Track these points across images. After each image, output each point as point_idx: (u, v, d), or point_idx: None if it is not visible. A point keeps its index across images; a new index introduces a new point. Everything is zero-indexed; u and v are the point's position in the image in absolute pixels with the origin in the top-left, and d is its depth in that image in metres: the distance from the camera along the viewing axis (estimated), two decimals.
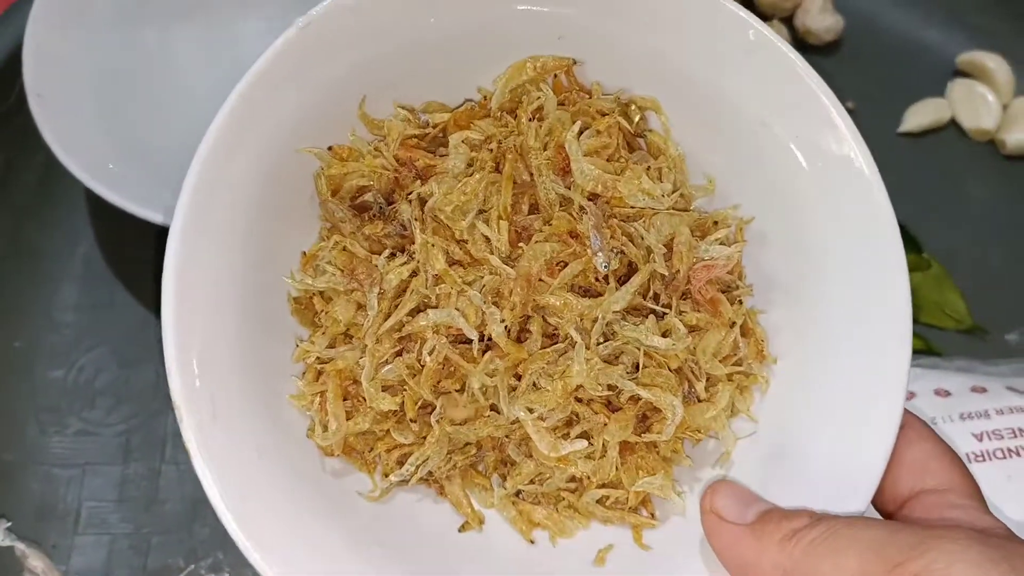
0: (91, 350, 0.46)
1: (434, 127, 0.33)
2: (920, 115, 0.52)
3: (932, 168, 0.51)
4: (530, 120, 0.32)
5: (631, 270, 0.31)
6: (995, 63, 0.52)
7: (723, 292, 0.32)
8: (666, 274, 0.31)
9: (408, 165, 0.32)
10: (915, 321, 0.45)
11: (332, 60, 0.31)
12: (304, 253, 0.33)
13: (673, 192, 0.32)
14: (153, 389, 0.45)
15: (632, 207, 0.31)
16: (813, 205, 0.31)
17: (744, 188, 0.33)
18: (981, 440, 0.38)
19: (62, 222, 0.49)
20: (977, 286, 0.47)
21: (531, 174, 0.31)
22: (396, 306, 0.31)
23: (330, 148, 0.33)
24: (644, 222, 0.31)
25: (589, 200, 0.31)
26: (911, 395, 0.40)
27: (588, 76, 0.33)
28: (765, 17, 0.54)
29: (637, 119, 0.33)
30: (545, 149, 0.31)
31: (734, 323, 0.32)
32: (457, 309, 0.30)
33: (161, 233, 0.31)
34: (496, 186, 0.31)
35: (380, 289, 0.31)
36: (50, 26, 0.45)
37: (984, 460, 0.37)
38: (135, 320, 0.47)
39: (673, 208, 0.31)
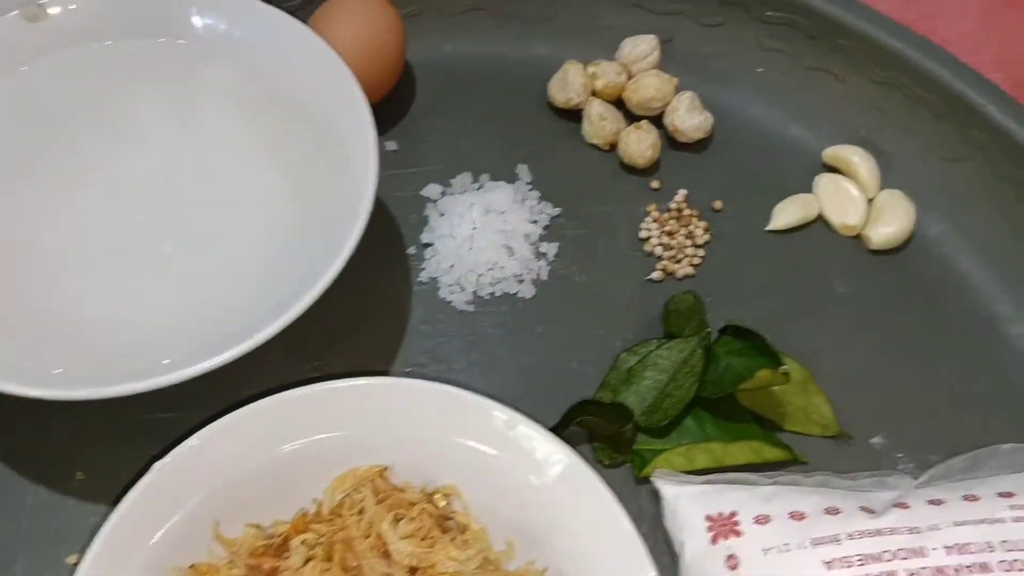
0: None
1: (278, 536, 0.41)
2: (787, 212, 0.52)
3: (800, 266, 0.51)
4: (354, 516, 0.40)
5: None
6: (859, 157, 0.53)
7: None
8: None
9: (257, 569, 0.39)
10: (780, 429, 0.46)
11: (186, 495, 0.39)
12: None
13: (477, 556, 0.40)
14: None
15: (444, 573, 0.39)
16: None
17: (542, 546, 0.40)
18: (831, 567, 0.38)
19: None
20: (843, 388, 0.47)
21: (358, 560, 0.39)
22: None
23: (192, 566, 0.39)
24: None
25: (409, 574, 0.39)
26: (766, 519, 0.40)
27: (400, 476, 0.42)
28: (634, 117, 0.54)
29: (443, 504, 0.41)
30: (367, 538, 0.40)
31: None
32: None
33: None
34: (329, 573, 0.39)
35: None
36: None
37: None
38: None
39: (480, 569, 0.39)
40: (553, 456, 0.40)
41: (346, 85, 0.45)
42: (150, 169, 0.45)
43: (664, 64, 0.56)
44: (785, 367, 0.44)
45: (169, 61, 0.47)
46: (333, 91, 0.45)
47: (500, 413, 0.41)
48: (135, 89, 0.47)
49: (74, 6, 0.47)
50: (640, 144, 0.52)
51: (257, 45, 0.47)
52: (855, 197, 0.52)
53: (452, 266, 0.49)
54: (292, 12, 0.54)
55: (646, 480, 0.44)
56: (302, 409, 0.41)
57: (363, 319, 0.48)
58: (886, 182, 0.53)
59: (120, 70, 0.47)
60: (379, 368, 0.47)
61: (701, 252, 0.51)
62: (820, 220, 0.53)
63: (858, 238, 0.52)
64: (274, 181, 0.45)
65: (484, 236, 0.49)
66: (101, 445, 0.44)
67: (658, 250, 0.51)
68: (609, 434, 0.45)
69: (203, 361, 0.38)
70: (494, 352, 0.48)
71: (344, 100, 0.45)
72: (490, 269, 0.49)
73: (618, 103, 0.55)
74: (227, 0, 0.47)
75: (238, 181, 0.45)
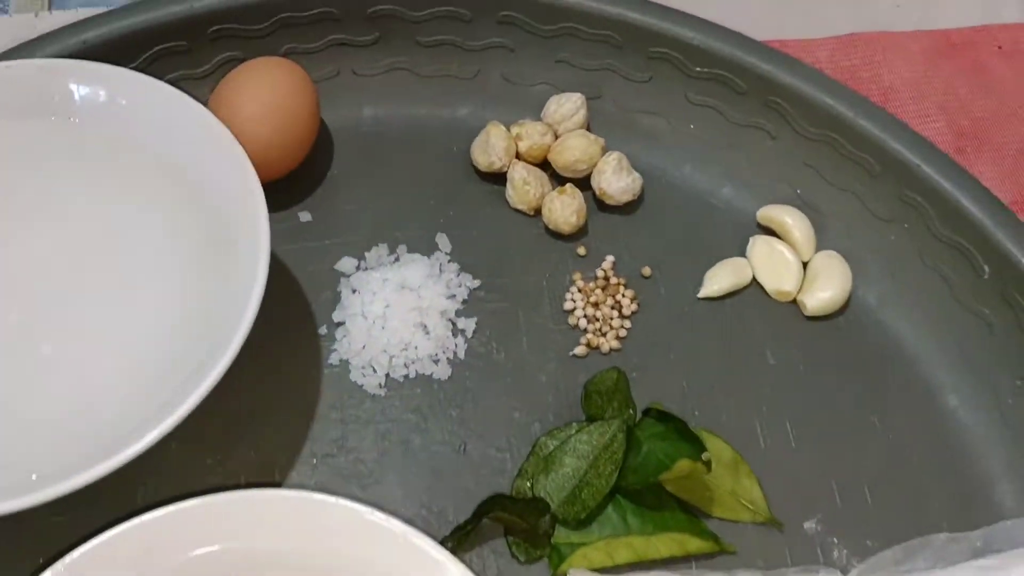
0: None
1: None
2: (719, 277, 0.50)
3: (732, 334, 0.49)
4: None
5: None
6: (794, 217, 0.51)
7: None
8: None
9: None
10: (707, 516, 0.44)
11: None
12: None
13: None
14: None
15: None
16: None
17: None
18: None
19: None
20: (775, 468, 0.45)
21: None
22: None
23: None
24: None
25: None
26: None
27: None
28: (561, 179, 0.52)
29: None
30: None
31: None
32: None
33: None
34: None
35: None
36: None
37: None
38: None
39: None
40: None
41: (236, 161, 0.43)
42: (24, 261, 0.42)
43: (592, 122, 0.54)
44: (707, 455, 0.42)
45: (51, 141, 0.44)
46: (222, 168, 0.43)
47: (397, 528, 0.38)
48: (9, 173, 0.44)
49: None
50: (565, 210, 0.50)
51: (141, 120, 0.44)
52: (790, 261, 0.50)
53: (364, 347, 0.47)
54: (200, 79, 0.52)
55: None
56: (199, 519, 0.39)
57: (268, 405, 0.46)
58: (822, 243, 0.51)
59: (3, 153, 0.44)
60: (284, 459, 0.45)
61: (628, 323, 0.49)
62: (754, 284, 0.50)
63: (793, 303, 0.50)
64: (162, 268, 0.43)
65: (397, 314, 0.47)
66: None
67: (583, 323, 0.49)
68: (525, 528, 0.43)
69: (85, 470, 0.36)
70: (407, 440, 0.45)
71: (234, 178, 0.43)
72: (404, 349, 0.47)
73: (543, 165, 0.53)
74: (105, 70, 0.45)
75: (123, 269, 0.42)
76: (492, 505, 0.42)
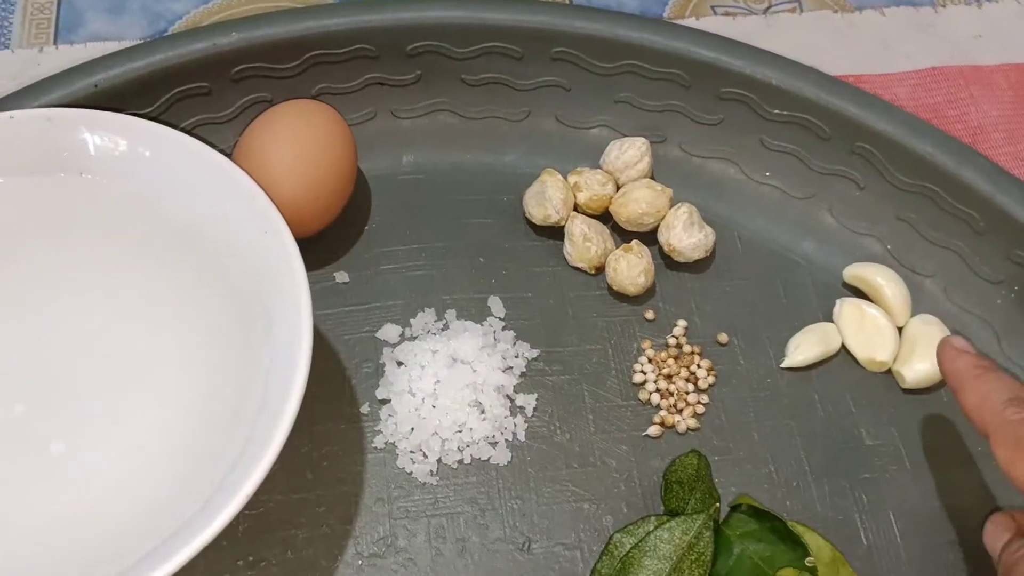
0: None
1: None
2: (805, 346, 0.45)
3: (822, 410, 0.44)
4: None
5: None
6: (886, 277, 0.46)
7: None
8: None
9: None
10: None
11: None
12: None
13: None
14: None
15: None
16: None
17: None
18: None
19: None
20: (880, 566, 0.40)
21: None
22: None
23: None
24: None
25: None
26: None
27: None
28: (624, 233, 0.47)
29: None
30: None
31: None
32: None
33: None
34: None
35: None
36: None
37: None
38: None
39: None
40: None
41: (268, 221, 0.38)
42: (27, 344, 0.37)
43: (655, 169, 0.49)
44: (811, 560, 0.37)
45: (60, 202, 0.39)
46: (252, 229, 0.38)
47: None
48: (16, 240, 0.39)
49: None
50: (632, 270, 0.45)
51: (162, 176, 0.39)
52: (883, 327, 0.45)
53: (412, 429, 0.41)
54: (222, 124, 0.47)
55: None
56: None
57: (304, 498, 0.40)
58: (918, 307, 0.45)
59: (5, 216, 0.39)
60: (325, 560, 0.39)
61: (705, 398, 0.44)
62: (843, 353, 0.45)
63: (888, 374, 0.45)
64: (186, 350, 0.37)
65: (449, 392, 0.42)
66: None
67: (655, 398, 0.43)
68: None
69: None
70: (464, 537, 0.40)
71: (267, 241, 0.37)
72: (457, 432, 0.41)
73: (605, 217, 0.48)
74: (125, 121, 0.40)
75: (140, 355, 0.37)
76: None
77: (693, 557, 0.38)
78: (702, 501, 0.40)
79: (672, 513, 0.40)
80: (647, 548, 0.39)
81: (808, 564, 0.36)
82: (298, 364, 0.35)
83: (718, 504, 0.40)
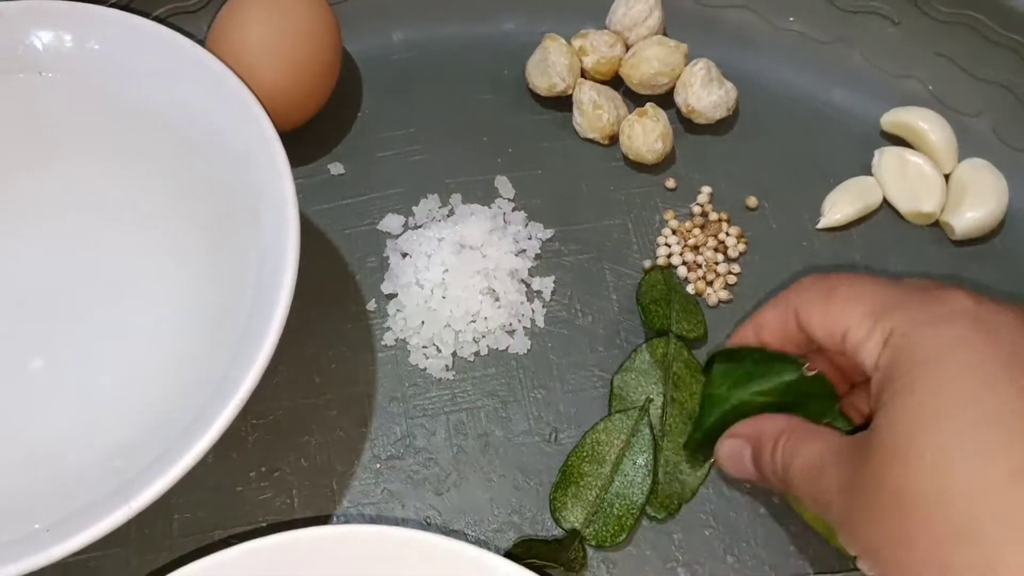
0: None
1: None
2: (842, 203, 0.41)
3: (866, 269, 0.40)
4: None
5: None
6: (929, 121, 0.41)
7: None
8: None
9: None
10: None
11: None
12: None
13: None
14: None
15: None
16: None
17: None
18: None
19: None
20: None
21: None
22: None
23: None
24: None
25: None
26: None
27: None
28: (637, 98, 0.43)
29: None
30: None
31: None
32: None
33: None
34: None
35: None
36: None
37: None
38: None
39: None
40: None
41: (245, 109, 0.35)
42: (6, 257, 0.34)
43: (667, 25, 0.44)
44: (807, 367, 0.33)
45: (21, 103, 0.36)
46: (229, 119, 0.35)
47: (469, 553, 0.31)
48: None
49: None
50: (648, 135, 0.41)
51: (123, 68, 0.36)
52: (928, 175, 0.41)
53: (423, 323, 0.39)
54: (194, 12, 0.44)
55: None
56: (270, 560, 0.31)
57: (315, 403, 0.38)
58: (965, 151, 0.41)
59: None
60: (341, 466, 0.37)
61: (736, 267, 0.40)
62: (885, 208, 0.41)
63: (936, 226, 0.41)
64: (169, 252, 0.35)
65: (459, 280, 0.39)
66: None
67: (682, 271, 0.40)
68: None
69: (99, 517, 0.29)
70: (486, 432, 0.37)
71: (246, 130, 0.34)
72: (471, 322, 0.39)
73: (615, 82, 0.44)
74: (68, 8, 0.36)
75: (121, 258, 0.34)
76: (523, 553, 0.34)
77: (634, 454, 0.36)
78: (683, 313, 0.38)
79: (660, 333, 0.37)
80: (584, 453, 0.36)
81: (807, 372, 0.33)
82: (287, 254, 0.32)
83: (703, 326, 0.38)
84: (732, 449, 0.33)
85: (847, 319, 0.29)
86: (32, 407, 0.32)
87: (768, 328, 0.33)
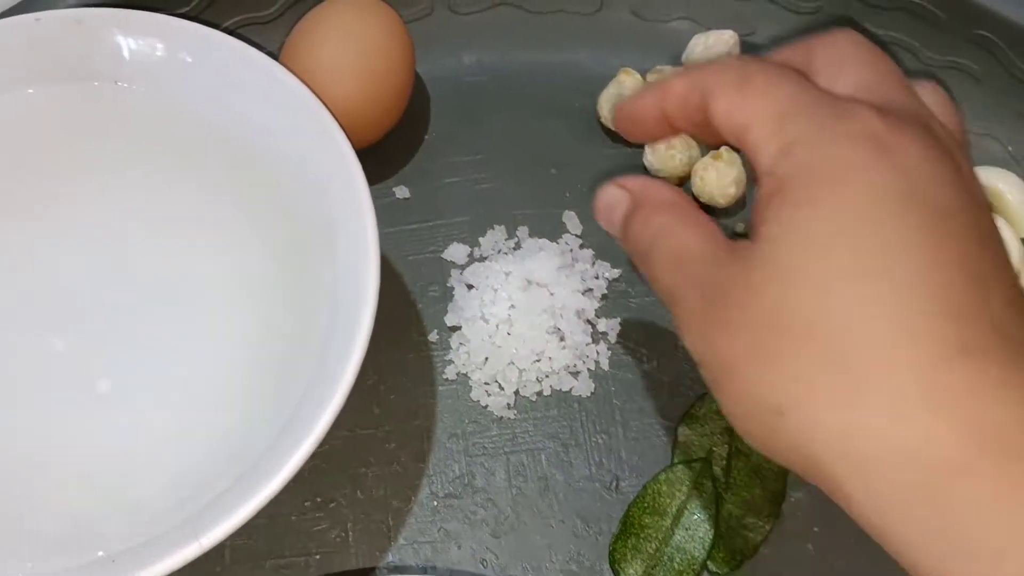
0: None
1: None
2: None
3: None
4: None
5: None
6: (1008, 183, 0.41)
7: None
8: None
9: None
10: None
11: None
12: None
13: None
14: None
15: None
16: None
17: None
18: None
19: None
20: None
21: None
22: None
23: None
24: None
25: None
26: None
27: None
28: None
29: None
30: None
31: None
32: None
33: None
34: None
35: None
36: None
37: None
38: None
39: None
40: None
41: (324, 130, 0.34)
42: (66, 274, 0.34)
43: None
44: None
45: (94, 112, 0.35)
46: (306, 140, 0.34)
47: None
48: (48, 156, 0.35)
49: None
50: (722, 179, 0.40)
51: (205, 83, 0.35)
52: (1006, 240, 0.40)
53: (487, 359, 0.38)
54: (265, 24, 0.43)
55: None
56: None
57: (373, 434, 0.37)
58: None
59: (35, 129, 0.35)
60: (398, 501, 0.36)
61: None
62: None
63: None
64: (239, 277, 0.34)
65: (526, 318, 0.38)
66: None
67: None
68: None
69: (167, 552, 0.28)
70: (547, 475, 0.37)
71: (324, 153, 0.33)
72: (536, 361, 0.38)
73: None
74: (164, 21, 0.35)
75: (188, 281, 0.34)
76: None
77: (695, 509, 0.35)
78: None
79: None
80: (645, 503, 0.36)
81: None
82: (367, 283, 0.31)
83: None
84: (611, 198, 0.31)
85: (753, 116, 0.27)
86: (98, 430, 0.31)
87: (672, 99, 0.30)
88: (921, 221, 0.24)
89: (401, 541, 0.36)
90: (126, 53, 0.35)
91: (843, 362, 0.23)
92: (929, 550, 0.22)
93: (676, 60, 0.44)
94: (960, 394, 0.22)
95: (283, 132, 0.35)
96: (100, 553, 0.29)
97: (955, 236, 0.24)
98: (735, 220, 0.42)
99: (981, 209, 0.25)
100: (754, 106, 0.27)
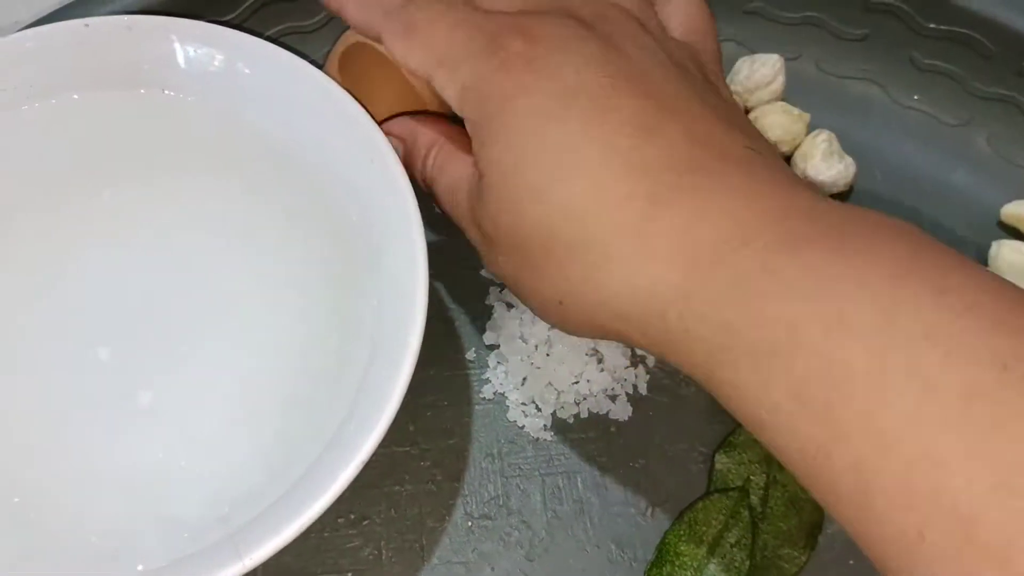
0: None
1: None
2: None
3: None
4: None
5: None
6: None
7: None
8: None
9: None
10: None
11: None
12: None
13: None
14: None
15: None
16: None
17: None
18: None
19: None
20: None
21: None
22: None
23: None
24: None
25: None
26: None
27: None
28: None
29: None
30: None
31: None
32: None
33: None
34: None
35: None
36: None
37: None
38: None
39: None
40: None
41: (374, 148, 0.33)
42: (112, 284, 0.33)
43: (788, 90, 0.43)
44: None
45: (143, 120, 0.35)
46: (356, 157, 0.33)
47: None
48: (95, 165, 0.35)
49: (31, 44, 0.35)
50: None
51: (256, 95, 0.35)
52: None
53: (525, 379, 0.38)
54: (309, 33, 0.43)
55: None
56: None
57: (408, 452, 0.37)
58: None
59: (82, 136, 0.35)
60: (432, 520, 0.36)
61: None
62: None
63: None
64: (285, 292, 0.33)
65: (565, 339, 0.38)
66: None
67: None
68: None
69: (210, 572, 0.28)
70: (582, 499, 0.37)
71: (375, 173, 0.33)
72: (574, 383, 0.38)
73: None
74: (219, 31, 0.35)
75: (236, 294, 0.33)
76: None
77: (731, 538, 0.35)
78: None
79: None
80: (682, 532, 0.35)
81: None
82: (415, 304, 0.31)
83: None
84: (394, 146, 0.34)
85: (423, 63, 0.30)
86: (138, 442, 0.31)
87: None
88: (581, 114, 0.27)
89: (435, 561, 0.35)
90: (181, 62, 0.34)
91: (584, 245, 0.27)
92: (695, 359, 0.27)
93: None
94: (668, 238, 0.26)
95: (335, 149, 0.35)
96: (139, 567, 0.29)
97: (616, 109, 0.27)
98: None
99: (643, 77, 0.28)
100: (422, 56, 0.30)
